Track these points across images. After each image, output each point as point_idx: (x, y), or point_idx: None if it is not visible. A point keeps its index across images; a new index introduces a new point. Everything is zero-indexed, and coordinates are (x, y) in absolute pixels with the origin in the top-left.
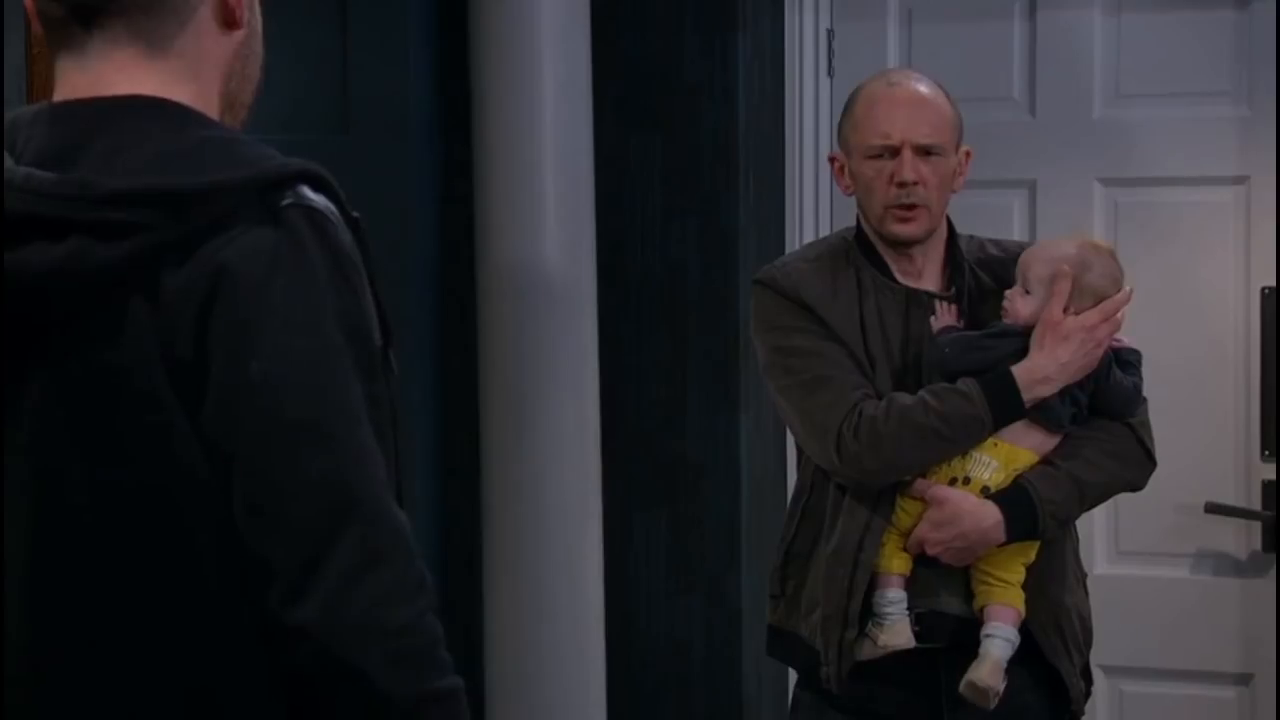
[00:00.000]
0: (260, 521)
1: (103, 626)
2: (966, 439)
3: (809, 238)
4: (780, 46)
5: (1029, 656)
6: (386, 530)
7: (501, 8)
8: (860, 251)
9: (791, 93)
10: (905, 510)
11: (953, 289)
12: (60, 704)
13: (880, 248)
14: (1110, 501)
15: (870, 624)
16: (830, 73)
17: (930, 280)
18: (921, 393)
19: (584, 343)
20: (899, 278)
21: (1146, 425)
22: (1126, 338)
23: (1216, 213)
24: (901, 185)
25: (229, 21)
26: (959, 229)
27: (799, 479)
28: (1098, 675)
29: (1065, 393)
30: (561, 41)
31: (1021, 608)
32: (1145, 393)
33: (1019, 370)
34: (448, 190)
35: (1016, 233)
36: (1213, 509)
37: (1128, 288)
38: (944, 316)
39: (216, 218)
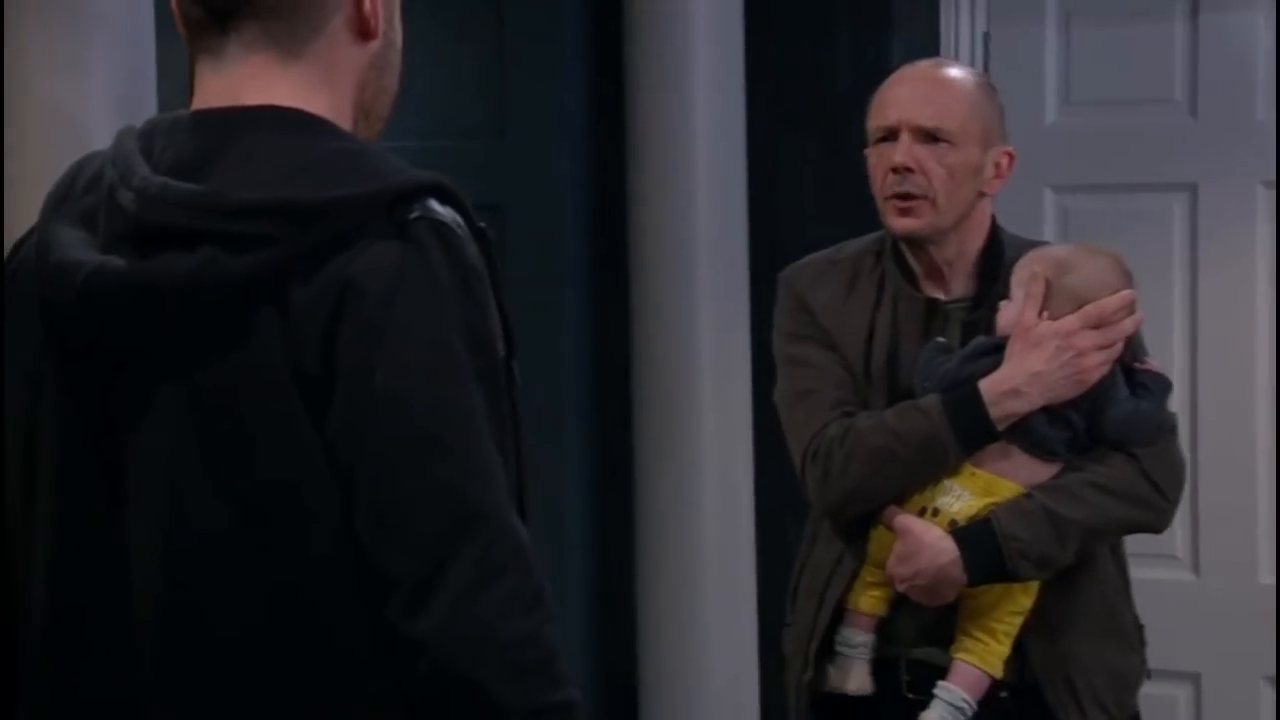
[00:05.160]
0: (382, 533)
1: (232, 640)
2: (928, 462)
3: None
4: (935, 49)
5: (1041, 716)
6: (507, 542)
7: (655, 11)
8: (891, 254)
9: None
10: (879, 541)
11: (973, 299)
12: (188, 711)
13: (904, 250)
14: None
15: (829, 660)
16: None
17: (959, 288)
18: (885, 411)
19: (737, 345)
20: (923, 285)
21: (1165, 459)
22: (1154, 362)
23: None
24: (896, 171)
25: (364, 32)
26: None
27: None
28: None
29: (1054, 414)
30: (715, 44)
31: (996, 671)
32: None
33: (986, 383)
34: (602, 192)
35: (1176, 238)
36: None
37: (1124, 292)
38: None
39: (343, 231)
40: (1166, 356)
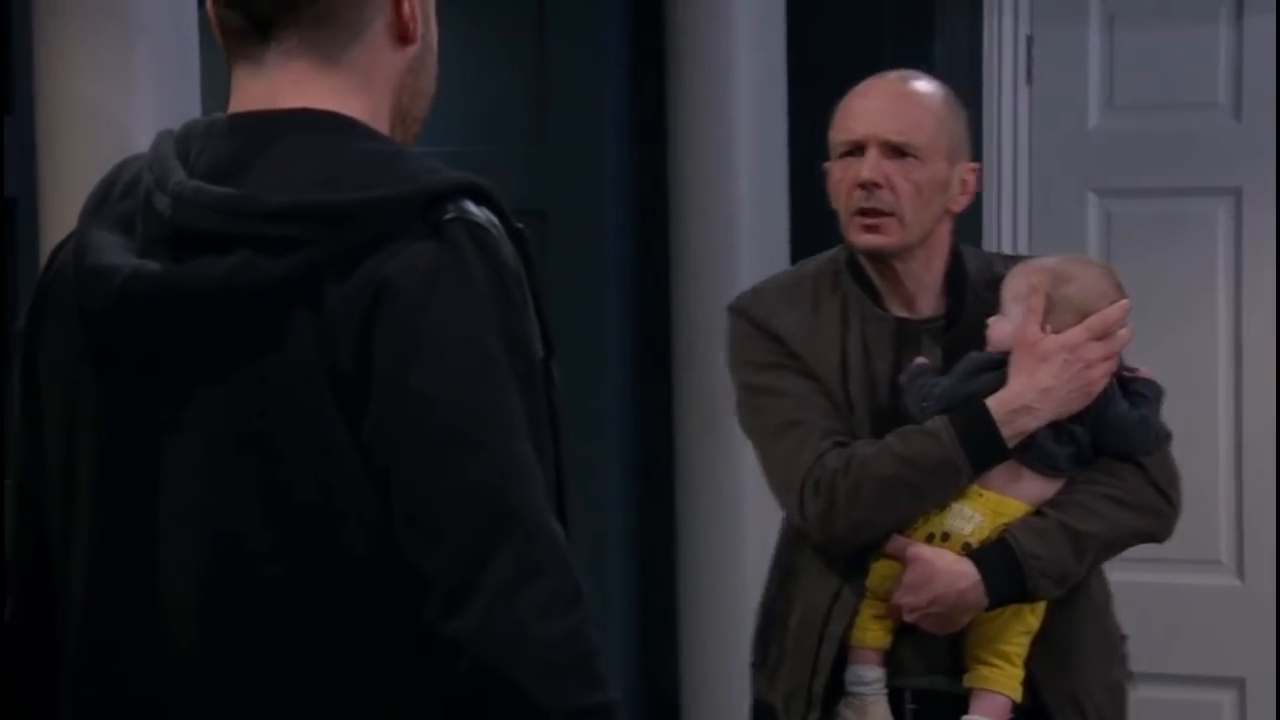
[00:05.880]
0: (418, 533)
1: (265, 638)
2: (940, 487)
3: (1006, 243)
4: (978, 53)
5: None
6: (544, 542)
7: (697, 15)
8: (850, 274)
9: (989, 100)
10: (880, 573)
11: (945, 317)
12: (223, 710)
13: (869, 269)
14: None
15: (842, 702)
16: (1029, 80)
17: (927, 307)
18: (888, 437)
19: None
20: (889, 305)
21: (1166, 467)
22: (1144, 369)
23: None
24: (863, 187)
25: (403, 36)
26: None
27: (780, 531)
28: None
29: (1060, 430)
30: (757, 48)
31: (1016, 695)
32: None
33: (994, 401)
34: (643, 196)
35: (1221, 243)
36: None
37: (1123, 301)
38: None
39: (377, 233)
40: (1211, 361)
